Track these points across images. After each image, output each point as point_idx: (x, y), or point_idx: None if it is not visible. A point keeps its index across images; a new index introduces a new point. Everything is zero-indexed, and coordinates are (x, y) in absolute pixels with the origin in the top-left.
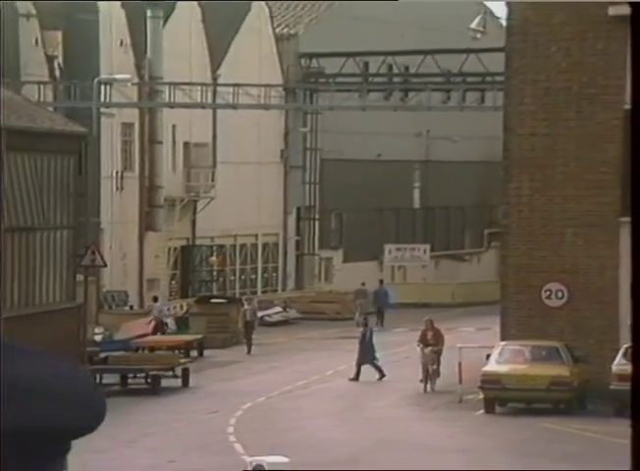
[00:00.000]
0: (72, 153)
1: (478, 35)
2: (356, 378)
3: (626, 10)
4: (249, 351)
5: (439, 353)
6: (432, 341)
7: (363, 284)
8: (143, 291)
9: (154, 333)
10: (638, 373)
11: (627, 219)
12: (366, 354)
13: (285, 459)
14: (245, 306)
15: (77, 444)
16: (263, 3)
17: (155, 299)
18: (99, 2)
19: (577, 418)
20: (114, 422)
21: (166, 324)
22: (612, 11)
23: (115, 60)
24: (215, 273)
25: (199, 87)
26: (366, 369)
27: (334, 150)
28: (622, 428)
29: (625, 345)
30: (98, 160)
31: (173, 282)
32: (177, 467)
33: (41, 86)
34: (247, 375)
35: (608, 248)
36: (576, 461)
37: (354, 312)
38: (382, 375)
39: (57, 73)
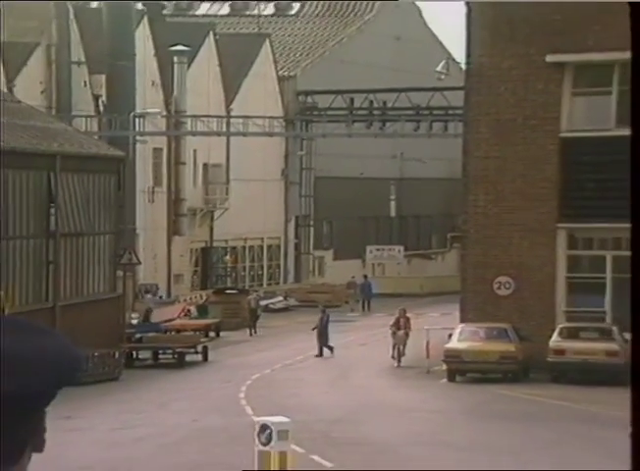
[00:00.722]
0: (112, 173)
1: (442, 76)
2: (320, 355)
3: (562, 57)
4: (252, 333)
5: (407, 336)
6: (403, 326)
7: (353, 277)
8: (171, 284)
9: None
10: (637, 373)
11: (562, 225)
12: (322, 335)
13: (286, 419)
14: (249, 296)
15: (117, 407)
16: (269, 51)
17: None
18: (137, 50)
19: (522, 385)
20: (148, 389)
21: (190, 311)
22: (549, 58)
23: (147, 97)
24: (229, 269)
25: (216, 119)
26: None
27: (325, 169)
28: (558, 392)
29: (560, 326)
30: (134, 178)
31: (194, 276)
32: (199, 425)
33: (88, 119)
34: (255, 352)
35: (546, 249)
36: (520, 418)
37: (344, 301)
38: (324, 350)
39: (101, 108)
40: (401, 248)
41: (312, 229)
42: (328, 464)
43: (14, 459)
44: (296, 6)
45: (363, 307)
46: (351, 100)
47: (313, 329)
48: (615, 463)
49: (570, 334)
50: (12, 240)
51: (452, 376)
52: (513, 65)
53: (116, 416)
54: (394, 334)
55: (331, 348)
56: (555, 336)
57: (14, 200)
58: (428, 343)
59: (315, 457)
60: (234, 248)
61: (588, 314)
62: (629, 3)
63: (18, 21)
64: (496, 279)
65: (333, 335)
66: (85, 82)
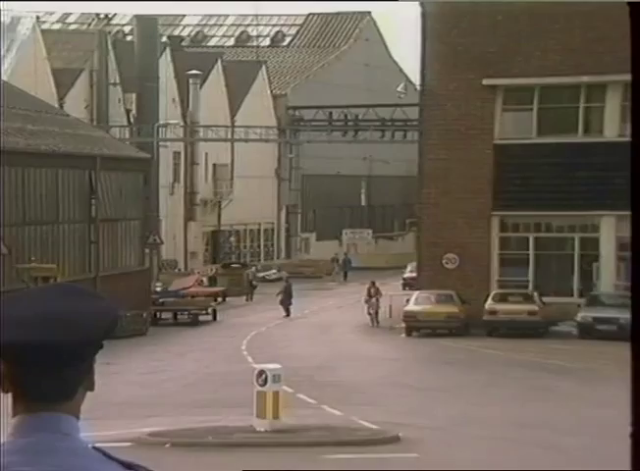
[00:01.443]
0: (140, 171)
1: (402, 95)
2: (287, 315)
3: (494, 81)
4: (249, 299)
5: (378, 302)
6: (373, 294)
7: (336, 254)
8: (187, 260)
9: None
10: (637, 386)
11: (496, 213)
12: (285, 299)
13: (278, 366)
14: (248, 270)
15: (146, 356)
16: (265, 74)
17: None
18: (160, 74)
19: (463, 338)
20: (169, 343)
21: (202, 280)
22: (485, 82)
23: (169, 111)
24: (233, 248)
25: (222, 128)
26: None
27: (309, 169)
28: (492, 343)
29: (493, 292)
30: (157, 175)
31: (206, 253)
32: (210, 371)
33: (121, 129)
34: (253, 313)
35: (483, 232)
36: (462, 364)
37: (325, 273)
38: (288, 314)
39: (131, 119)
40: (370, 231)
41: (299, 216)
42: (312, 401)
43: (72, 394)
44: (287, 39)
45: (345, 277)
46: (330, 114)
47: (277, 294)
48: (530, 397)
49: (501, 298)
50: (62, 224)
51: (409, 332)
52: (457, 87)
53: (145, 363)
54: (367, 301)
55: (288, 311)
56: (489, 300)
57: (63, 193)
58: (391, 307)
59: (301, 396)
60: (237, 231)
61: (515, 282)
62: (629, 3)
63: (67, 52)
64: (444, 255)
65: (315, 299)
66: (119, 100)
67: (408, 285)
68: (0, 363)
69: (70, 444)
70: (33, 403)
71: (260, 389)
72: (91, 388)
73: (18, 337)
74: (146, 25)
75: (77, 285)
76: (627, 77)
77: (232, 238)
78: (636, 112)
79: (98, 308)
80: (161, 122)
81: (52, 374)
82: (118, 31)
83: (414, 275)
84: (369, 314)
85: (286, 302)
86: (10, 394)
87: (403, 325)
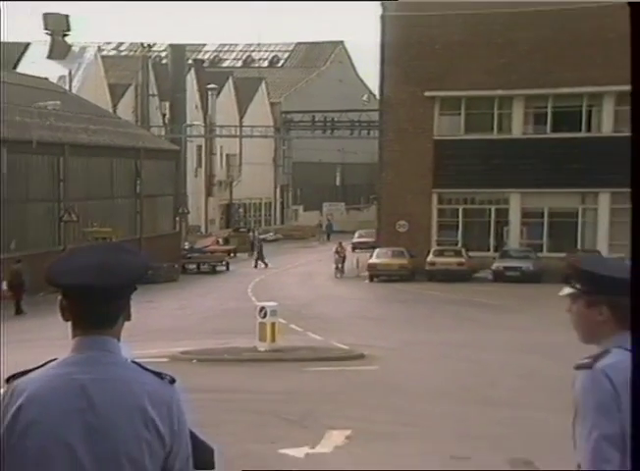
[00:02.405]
0: (173, 159)
1: (366, 103)
2: (255, 267)
3: (433, 93)
4: (252, 255)
5: (344, 258)
6: (340, 252)
7: (320, 220)
8: (207, 225)
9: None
10: (637, 387)
11: (435, 190)
12: (259, 253)
13: (274, 303)
14: (251, 233)
15: (177, 296)
16: (264, 88)
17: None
18: (187, 87)
19: (411, 283)
20: (194, 286)
21: (219, 241)
22: (426, 94)
23: (193, 115)
24: (241, 217)
25: (233, 127)
26: (312, 262)
27: (298, 158)
28: (432, 286)
29: (433, 249)
30: (185, 163)
31: (221, 221)
32: (224, 307)
33: (159, 128)
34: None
35: (426, 204)
36: (410, 301)
37: (310, 235)
38: (266, 265)
39: (166, 121)
40: (343, 204)
41: (290, 193)
42: (299, 329)
43: (114, 322)
44: (281, 61)
45: (328, 238)
46: (313, 117)
47: (251, 248)
48: (460, 325)
49: (438, 253)
50: (116, 199)
51: (371, 278)
52: (406, 97)
53: (176, 301)
54: (335, 256)
55: (265, 263)
56: (430, 255)
57: (116, 176)
58: (358, 260)
59: (292, 326)
60: (244, 204)
61: (448, 242)
62: (629, 3)
63: (119, 71)
64: (397, 222)
65: (302, 255)
66: (157, 107)
67: (356, 247)
68: (62, 299)
69: (113, 358)
70: (87, 329)
71: (261, 320)
72: (129, 318)
73: (76, 280)
74: (177, 51)
75: (119, 242)
76: (529, 91)
77: (240, 210)
78: (636, 111)
79: (134, 260)
80: (187, 123)
81: (100, 307)
82: (156, 56)
83: (360, 240)
84: (335, 267)
85: (261, 258)
86: (70, 322)
87: (367, 273)
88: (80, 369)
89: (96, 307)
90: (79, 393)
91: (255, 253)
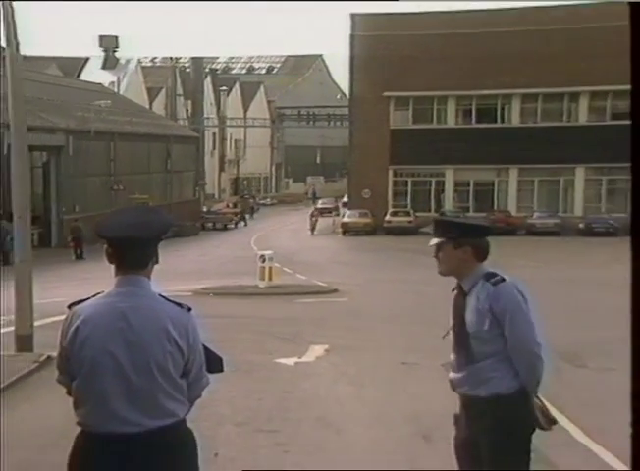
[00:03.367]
0: (194, 144)
1: (339, 100)
2: (245, 225)
3: (389, 93)
4: (252, 217)
5: (317, 219)
6: (315, 215)
7: (306, 190)
8: (220, 193)
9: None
10: (637, 383)
11: (391, 167)
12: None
13: (271, 252)
14: (252, 199)
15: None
16: (263, 90)
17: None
18: (205, 89)
19: (374, 237)
20: (210, 240)
21: (229, 205)
22: (384, 94)
23: (209, 109)
24: (246, 187)
25: (239, 119)
26: (301, 221)
27: (288, 142)
28: (389, 239)
29: (389, 210)
30: (203, 146)
31: (231, 190)
32: (233, 255)
33: (183, 120)
34: (256, 224)
35: (384, 177)
36: (372, 250)
37: (298, 201)
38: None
39: (189, 115)
40: (322, 177)
41: (282, 169)
42: (289, 271)
43: (146, 266)
44: (275, 69)
45: (314, 203)
46: (299, 111)
47: (252, 211)
48: (409, 267)
49: (393, 214)
50: (152, 174)
51: (343, 233)
52: (370, 97)
53: (197, 251)
54: (310, 219)
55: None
56: (387, 215)
57: (152, 156)
58: (334, 220)
59: (285, 269)
60: (248, 178)
61: (401, 205)
62: (629, 3)
63: (154, 78)
64: (362, 190)
65: (292, 216)
66: (182, 104)
67: (319, 211)
68: (108, 247)
69: (144, 292)
70: (126, 270)
71: (261, 264)
72: (157, 262)
73: (118, 233)
74: (197, 62)
75: (150, 206)
76: (459, 92)
77: (244, 182)
78: (636, 111)
79: (160, 218)
80: (205, 116)
81: (135, 254)
82: (181, 66)
83: (322, 206)
84: (310, 227)
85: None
86: (113, 265)
87: (340, 229)
88: (120, 299)
89: (132, 254)
90: (120, 317)
91: (254, 214)
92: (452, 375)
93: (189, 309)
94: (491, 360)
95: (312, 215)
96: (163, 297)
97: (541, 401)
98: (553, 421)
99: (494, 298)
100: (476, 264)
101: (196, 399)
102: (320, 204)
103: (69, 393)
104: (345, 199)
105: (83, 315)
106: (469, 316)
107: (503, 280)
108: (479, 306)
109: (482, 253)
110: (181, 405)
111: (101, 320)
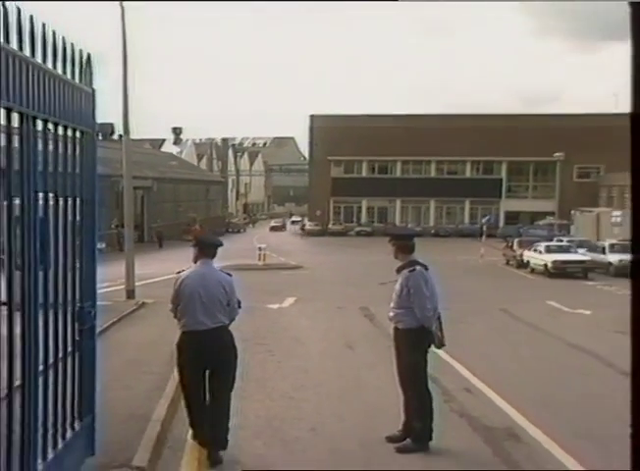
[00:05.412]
0: (222, 185)
1: (304, 160)
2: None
3: (332, 157)
4: (254, 226)
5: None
6: (283, 226)
7: (285, 211)
8: (237, 212)
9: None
10: (637, 386)
11: (332, 198)
12: (254, 223)
13: (265, 245)
14: (253, 216)
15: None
16: (260, 156)
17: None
18: (228, 155)
19: (323, 237)
20: (230, 239)
21: (241, 219)
22: (329, 158)
23: (230, 166)
24: (250, 209)
25: (247, 172)
26: (282, 229)
27: (275, 184)
28: (332, 238)
29: (331, 222)
30: (227, 187)
31: (242, 211)
32: (243, 247)
33: (216, 172)
34: (256, 230)
35: (327, 203)
36: (324, 245)
37: (282, 217)
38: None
39: (219, 168)
40: (294, 203)
41: (271, 199)
42: (275, 256)
43: (213, 256)
44: (267, 144)
45: (290, 218)
46: (280, 167)
47: (253, 223)
48: (352, 253)
49: (333, 224)
50: (198, 202)
51: (306, 235)
52: (322, 158)
53: (226, 245)
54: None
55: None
56: (329, 224)
57: (200, 193)
58: (304, 226)
59: (273, 255)
60: (252, 204)
61: (337, 219)
62: (629, 3)
63: (199, 149)
64: (316, 211)
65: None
66: (216, 164)
67: (273, 229)
68: (195, 247)
69: (211, 268)
70: (204, 258)
71: (259, 252)
72: (215, 256)
73: (207, 241)
74: (224, 140)
75: (215, 236)
76: (370, 157)
77: (250, 206)
78: (636, 117)
79: (217, 239)
80: (228, 170)
81: (210, 251)
82: (215, 142)
83: (275, 225)
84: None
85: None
86: (192, 256)
87: (302, 233)
88: (201, 269)
89: (209, 251)
90: (201, 277)
91: (255, 224)
92: (390, 314)
93: (230, 275)
94: (405, 310)
95: (283, 225)
96: (220, 270)
97: (441, 333)
98: (443, 344)
99: (408, 279)
100: (407, 255)
101: (233, 318)
102: (273, 223)
103: (175, 316)
104: (293, 218)
105: (184, 276)
106: (398, 287)
107: (414, 269)
108: (402, 282)
109: (408, 249)
110: (226, 318)
111: (193, 279)
